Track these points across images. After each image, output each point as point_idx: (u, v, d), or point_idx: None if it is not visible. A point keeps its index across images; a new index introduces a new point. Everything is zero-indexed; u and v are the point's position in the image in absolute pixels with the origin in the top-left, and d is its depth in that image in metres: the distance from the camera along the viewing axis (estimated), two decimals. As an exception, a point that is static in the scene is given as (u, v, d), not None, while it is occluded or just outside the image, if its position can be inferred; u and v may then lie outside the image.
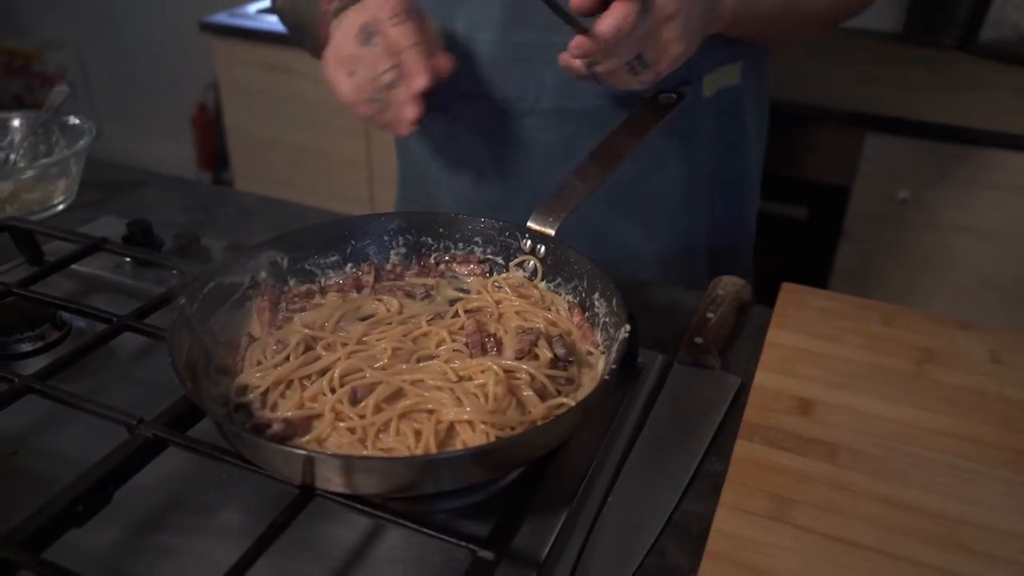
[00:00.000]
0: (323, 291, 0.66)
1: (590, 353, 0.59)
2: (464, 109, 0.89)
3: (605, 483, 0.56)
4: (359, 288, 0.66)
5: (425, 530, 0.46)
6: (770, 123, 1.03)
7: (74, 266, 0.77)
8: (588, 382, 0.56)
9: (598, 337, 0.60)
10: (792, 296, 0.76)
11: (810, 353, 0.69)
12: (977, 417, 0.62)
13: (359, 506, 0.47)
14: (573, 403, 0.52)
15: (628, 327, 0.54)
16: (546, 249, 0.66)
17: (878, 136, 1.56)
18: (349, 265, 0.68)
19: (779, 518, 0.52)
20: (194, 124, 3.02)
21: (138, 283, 0.78)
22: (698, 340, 0.69)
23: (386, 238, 0.69)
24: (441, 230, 0.69)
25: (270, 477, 0.49)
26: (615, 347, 0.55)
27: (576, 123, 0.86)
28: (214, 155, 2.94)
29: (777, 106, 1.06)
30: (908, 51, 1.88)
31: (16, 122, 0.99)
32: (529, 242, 0.66)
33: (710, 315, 0.72)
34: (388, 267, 0.68)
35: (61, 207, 0.94)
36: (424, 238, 0.69)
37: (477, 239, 0.69)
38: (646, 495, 0.56)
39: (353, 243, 0.68)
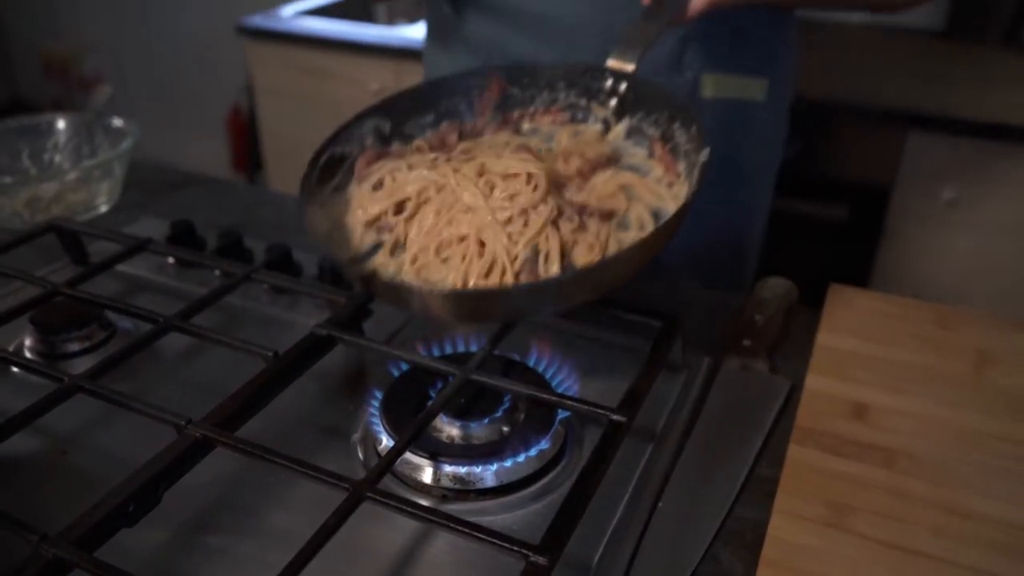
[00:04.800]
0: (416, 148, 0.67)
1: (671, 185, 0.61)
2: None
3: (655, 488, 0.55)
4: (444, 146, 0.66)
5: (476, 534, 0.45)
6: (807, 120, 1.01)
7: (118, 267, 0.77)
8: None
9: (680, 167, 0.61)
10: (840, 297, 0.75)
11: (862, 356, 0.67)
12: (1039, 422, 0.60)
13: (409, 509, 0.47)
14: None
15: (708, 150, 0.55)
16: (627, 85, 0.66)
17: (921, 134, 1.52)
18: (444, 123, 0.69)
19: (837, 525, 0.51)
20: (228, 126, 3.05)
21: (181, 284, 0.78)
22: (746, 343, 0.68)
23: (475, 93, 0.70)
24: (526, 80, 0.70)
25: (317, 479, 0.49)
26: (696, 170, 0.56)
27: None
28: (248, 157, 2.96)
29: (815, 103, 1.04)
30: (951, 48, 1.84)
31: (61, 124, 1.00)
32: (610, 80, 0.67)
33: (758, 317, 0.70)
34: (469, 125, 0.69)
35: (104, 208, 0.95)
36: (511, 90, 0.70)
37: (560, 84, 0.69)
38: (697, 500, 0.54)
39: (446, 101, 0.69)
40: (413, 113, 0.68)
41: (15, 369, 0.65)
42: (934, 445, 0.58)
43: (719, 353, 0.68)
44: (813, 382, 0.64)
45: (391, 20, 2.24)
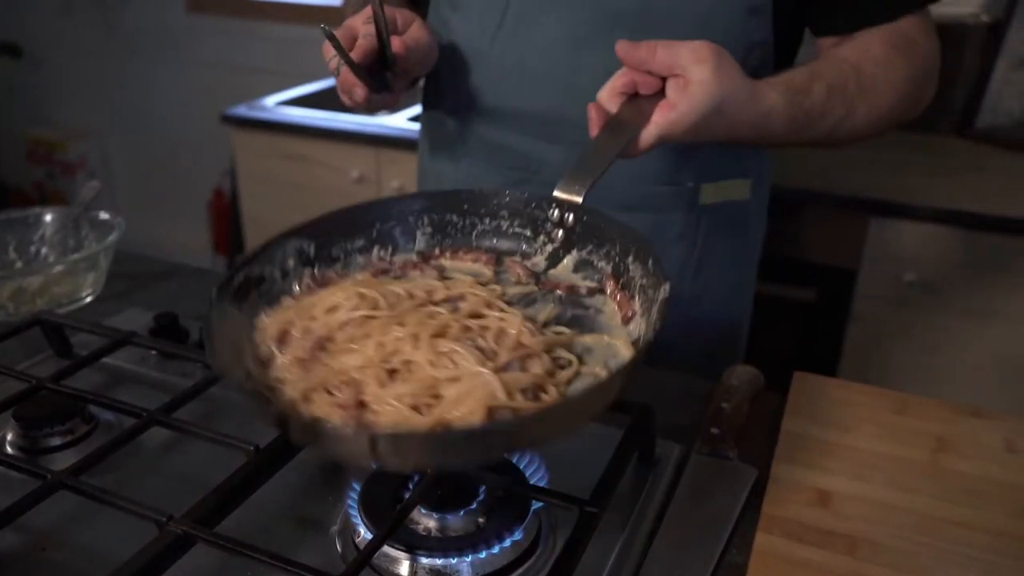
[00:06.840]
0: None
1: (627, 322, 0.58)
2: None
3: (627, 577, 0.56)
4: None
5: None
6: (776, 208, 1.05)
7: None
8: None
9: (637, 304, 0.58)
10: (804, 385, 0.77)
11: (825, 443, 0.69)
12: (993, 507, 0.62)
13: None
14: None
15: (667, 287, 0.53)
16: (574, 217, 0.64)
17: (881, 220, 1.59)
18: (376, 248, 0.67)
19: (802, 613, 0.53)
20: (210, 209, 3.09)
21: (164, 375, 0.80)
22: (714, 431, 0.70)
23: (411, 219, 0.67)
24: (466, 206, 0.68)
25: (298, 575, 0.50)
26: (655, 308, 0.54)
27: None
28: (229, 239, 2.99)
29: (782, 192, 1.09)
30: (907, 138, 1.93)
31: (48, 217, 1.02)
32: (557, 211, 0.65)
33: (725, 405, 0.73)
34: (385, 262, 0.67)
35: (89, 299, 0.97)
36: (450, 216, 0.68)
37: (503, 213, 0.67)
38: (668, 589, 0.56)
39: (379, 226, 0.67)
40: (340, 236, 0.66)
41: (-4, 464, 0.66)
42: (894, 532, 0.60)
43: (688, 440, 0.70)
44: (778, 469, 0.66)
45: (372, 109, 2.32)
